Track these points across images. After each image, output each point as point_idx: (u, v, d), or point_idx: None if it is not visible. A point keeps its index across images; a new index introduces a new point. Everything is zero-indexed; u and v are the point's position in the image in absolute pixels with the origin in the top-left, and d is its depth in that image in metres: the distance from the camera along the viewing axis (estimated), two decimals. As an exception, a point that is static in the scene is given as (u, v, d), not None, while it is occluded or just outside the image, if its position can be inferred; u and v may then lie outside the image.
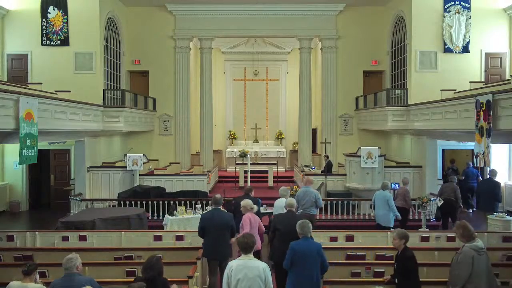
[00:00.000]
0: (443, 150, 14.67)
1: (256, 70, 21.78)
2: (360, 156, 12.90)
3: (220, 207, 7.08)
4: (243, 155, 16.68)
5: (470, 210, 13.39)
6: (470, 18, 14.45)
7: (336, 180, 14.10)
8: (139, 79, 18.17)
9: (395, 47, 16.70)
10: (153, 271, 4.76)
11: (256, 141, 21.50)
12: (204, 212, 8.75)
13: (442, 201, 10.75)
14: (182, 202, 11.76)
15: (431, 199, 11.63)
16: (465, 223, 5.10)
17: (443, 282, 6.01)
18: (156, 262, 4.84)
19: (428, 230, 9.90)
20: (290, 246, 5.41)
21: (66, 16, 14.53)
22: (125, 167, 13.70)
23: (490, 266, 5.09)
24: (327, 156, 14.90)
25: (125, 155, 14.24)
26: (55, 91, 13.52)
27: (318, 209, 9.49)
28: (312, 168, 16.50)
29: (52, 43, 14.60)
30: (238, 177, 16.31)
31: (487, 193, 10.97)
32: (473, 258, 4.78)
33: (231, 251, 6.92)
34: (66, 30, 14.56)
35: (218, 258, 6.70)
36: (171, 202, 11.73)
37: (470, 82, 14.10)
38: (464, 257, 4.85)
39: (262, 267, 4.57)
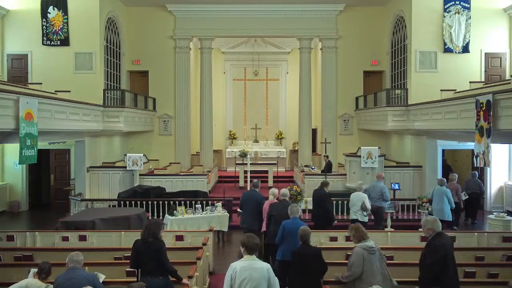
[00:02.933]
0: (443, 150, 14.67)
1: (256, 70, 21.78)
2: (360, 156, 12.91)
3: (257, 189, 8.75)
4: (243, 155, 16.68)
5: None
6: (470, 18, 14.44)
7: (336, 180, 14.10)
8: (139, 79, 18.18)
9: (395, 47, 16.70)
10: (147, 233, 5.37)
11: (256, 141, 21.50)
12: (245, 191, 10.05)
13: (467, 196, 11.56)
14: (182, 202, 11.77)
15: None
16: (358, 225, 5.42)
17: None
18: (149, 225, 5.50)
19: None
20: (281, 224, 6.55)
21: (66, 16, 14.53)
22: (125, 167, 13.70)
23: (384, 265, 5.30)
24: (327, 156, 14.91)
25: (125, 155, 14.24)
26: (55, 91, 13.52)
27: (386, 202, 10.45)
28: (312, 168, 16.50)
29: (52, 43, 14.60)
30: (238, 177, 16.30)
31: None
32: (363, 257, 5.07)
33: (261, 224, 8.32)
34: (66, 30, 14.56)
35: (254, 227, 8.15)
36: (171, 202, 11.73)
37: (470, 82, 14.10)
38: (356, 256, 5.16)
39: (266, 268, 4.53)
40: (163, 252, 5.38)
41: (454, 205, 10.36)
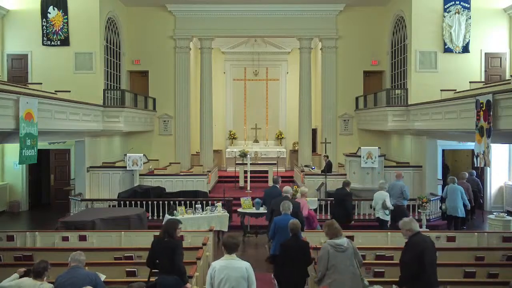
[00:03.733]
0: (443, 150, 14.67)
1: (256, 70, 21.77)
2: (360, 156, 12.90)
3: (277, 186, 9.30)
4: (243, 155, 16.68)
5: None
6: (470, 18, 14.44)
7: (336, 180, 14.06)
8: (139, 79, 18.17)
9: (395, 47, 16.70)
10: (165, 232, 5.52)
11: (256, 141, 21.50)
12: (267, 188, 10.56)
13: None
14: (182, 202, 11.76)
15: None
16: (332, 222, 5.48)
17: (443, 282, 6.01)
18: (165, 224, 5.71)
19: (428, 230, 9.90)
20: (273, 221, 7.01)
21: (66, 16, 14.52)
22: (125, 167, 13.70)
23: (357, 264, 5.29)
24: (327, 156, 14.90)
25: (125, 155, 14.24)
26: (55, 91, 13.52)
27: (406, 200, 10.65)
28: (312, 168, 16.50)
29: (52, 43, 14.60)
30: (238, 177, 16.30)
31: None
32: (328, 253, 5.16)
33: None
34: (66, 30, 14.56)
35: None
36: (171, 202, 11.72)
37: (470, 82, 14.10)
38: (321, 252, 5.30)
39: (245, 266, 4.59)
40: (177, 252, 5.45)
41: (468, 203, 10.85)
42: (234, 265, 4.57)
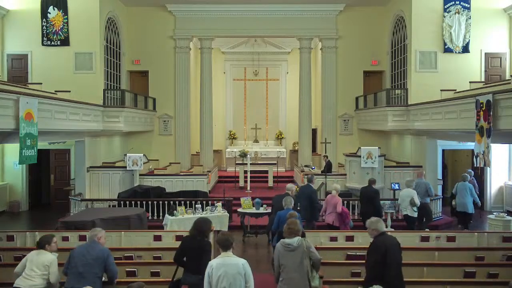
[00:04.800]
0: (443, 150, 14.67)
1: (256, 70, 21.78)
2: (360, 156, 12.90)
3: (311, 184, 9.67)
4: (243, 155, 16.68)
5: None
6: (470, 18, 14.44)
7: (336, 180, 14.07)
8: (139, 79, 18.17)
9: (395, 47, 16.70)
10: (196, 230, 5.57)
11: (256, 141, 21.50)
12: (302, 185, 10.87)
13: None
14: (182, 202, 11.75)
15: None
16: (294, 221, 5.51)
17: (443, 282, 6.02)
18: (203, 222, 5.65)
19: (428, 230, 9.91)
20: (276, 214, 7.53)
21: (66, 16, 14.52)
22: (125, 167, 13.69)
23: (308, 264, 5.25)
24: (327, 156, 14.91)
25: (125, 155, 14.24)
26: (55, 91, 13.52)
27: (430, 197, 11.13)
28: (312, 168, 16.50)
29: (52, 43, 14.60)
30: (238, 177, 16.30)
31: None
32: (279, 252, 5.29)
33: (314, 215, 9.33)
34: (66, 30, 14.56)
35: (307, 217, 9.03)
36: (171, 202, 11.71)
37: (470, 82, 14.10)
38: (275, 250, 5.42)
39: (241, 263, 4.64)
40: (209, 253, 5.55)
41: (478, 200, 11.37)
42: (231, 261, 4.63)
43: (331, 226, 9.52)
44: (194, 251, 5.47)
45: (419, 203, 10.18)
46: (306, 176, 10.53)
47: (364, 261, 6.95)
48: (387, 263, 5.10)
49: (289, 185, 8.85)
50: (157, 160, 17.45)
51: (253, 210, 10.85)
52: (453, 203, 11.57)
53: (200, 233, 5.55)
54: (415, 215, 10.28)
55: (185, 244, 5.60)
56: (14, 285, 5.42)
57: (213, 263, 4.66)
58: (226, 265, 4.58)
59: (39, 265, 5.38)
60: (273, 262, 5.43)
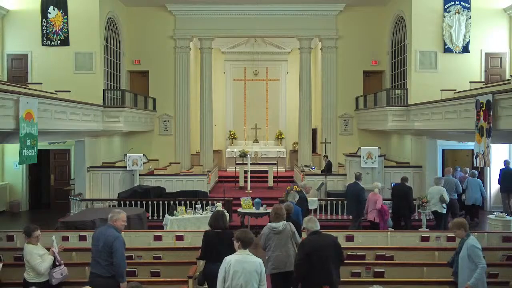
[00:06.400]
0: (443, 150, 14.66)
1: (256, 70, 21.77)
2: (360, 156, 12.90)
3: (359, 182, 10.44)
4: (243, 155, 16.68)
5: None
6: (470, 18, 14.44)
7: (336, 180, 14.10)
8: (139, 79, 18.17)
9: (395, 47, 16.70)
10: (220, 223, 5.92)
11: (256, 141, 21.50)
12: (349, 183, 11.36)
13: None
14: (182, 202, 11.75)
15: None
16: (279, 207, 6.23)
17: (443, 282, 6.02)
18: (222, 215, 6.08)
19: (428, 230, 9.91)
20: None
21: (66, 16, 14.52)
22: (125, 167, 13.70)
23: (293, 243, 6.01)
24: (327, 156, 14.91)
25: (125, 155, 14.24)
26: (55, 91, 13.51)
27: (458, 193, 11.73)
28: (312, 168, 16.50)
29: (52, 43, 14.59)
30: (238, 177, 16.29)
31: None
32: (265, 233, 6.06)
33: (361, 211, 10.17)
34: (66, 30, 14.55)
35: (354, 213, 10.28)
36: (171, 202, 11.71)
37: (470, 82, 14.09)
38: (263, 232, 6.16)
39: (258, 262, 4.71)
40: (232, 244, 5.63)
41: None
42: (249, 259, 4.69)
43: (372, 223, 10.14)
44: (223, 242, 5.68)
45: (448, 200, 10.56)
46: (354, 173, 11.17)
47: (364, 261, 7.01)
48: (312, 261, 5.21)
49: (304, 182, 9.77)
50: (157, 160, 17.45)
51: (253, 210, 10.83)
52: (463, 197, 12.08)
53: (224, 225, 5.96)
54: (444, 211, 10.65)
55: (212, 239, 5.84)
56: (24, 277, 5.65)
57: (231, 259, 4.70)
58: (245, 262, 4.65)
59: (26, 259, 5.58)
60: (261, 242, 6.14)
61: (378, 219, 9.98)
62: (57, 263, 5.74)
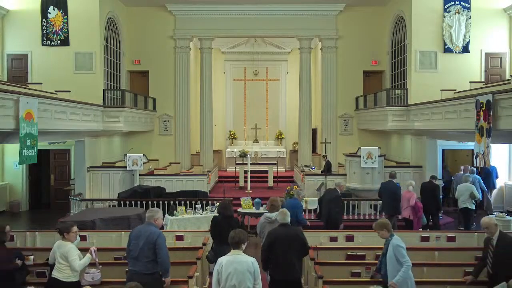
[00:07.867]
0: (443, 150, 14.66)
1: (256, 70, 21.78)
2: (360, 156, 12.89)
3: (394, 180, 10.62)
4: (243, 155, 16.68)
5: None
6: (470, 18, 14.44)
7: (336, 180, 14.04)
8: (139, 79, 18.17)
9: (395, 47, 16.70)
10: (229, 211, 6.97)
11: (256, 141, 21.50)
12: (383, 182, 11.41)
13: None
14: (182, 202, 11.75)
15: None
16: (275, 199, 7.12)
17: (443, 282, 6.01)
18: (229, 204, 7.10)
19: (428, 230, 9.90)
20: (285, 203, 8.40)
21: (66, 16, 14.52)
22: (125, 167, 13.69)
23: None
24: (326, 156, 14.90)
25: (125, 155, 14.24)
26: (55, 91, 13.51)
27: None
28: (312, 168, 16.50)
29: (52, 43, 14.59)
30: (238, 177, 16.29)
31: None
32: (261, 222, 6.98)
33: (396, 209, 10.23)
34: (66, 30, 14.55)
35: (389, 212, 10.30)
36: (171, 202, 11.71)
37: (470, 82, 14.09)
38: (259, 221, 7.07)
39: (251, 261, 4.72)
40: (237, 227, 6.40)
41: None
42: (240, 259, 4.69)
43: (406, 220, 10.29)
44: (230, 227, 5.92)
45: (479, 196, 10.97)
46: (389, 172, 11.34)
47: (364, 261, 7.00)
48: (274, 252, 5.54)
49: (337, 181, 10.00)
50: (157, 160, 17.45)
51: (253, 210, 10.82)
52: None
53: (230, 212, 6.98)
54: (473, 207, 10.94)
55: (221, 222, 6.81)
56: (52, 275, 5.56)
57: (223, 260, 4.71)
58: (236, 262, 4.66)
59: (62, 256, 5.51)
60: (257, 230, 7.03)
61: (412, 216, 10.14)
62: (95, 262, 5.71)
